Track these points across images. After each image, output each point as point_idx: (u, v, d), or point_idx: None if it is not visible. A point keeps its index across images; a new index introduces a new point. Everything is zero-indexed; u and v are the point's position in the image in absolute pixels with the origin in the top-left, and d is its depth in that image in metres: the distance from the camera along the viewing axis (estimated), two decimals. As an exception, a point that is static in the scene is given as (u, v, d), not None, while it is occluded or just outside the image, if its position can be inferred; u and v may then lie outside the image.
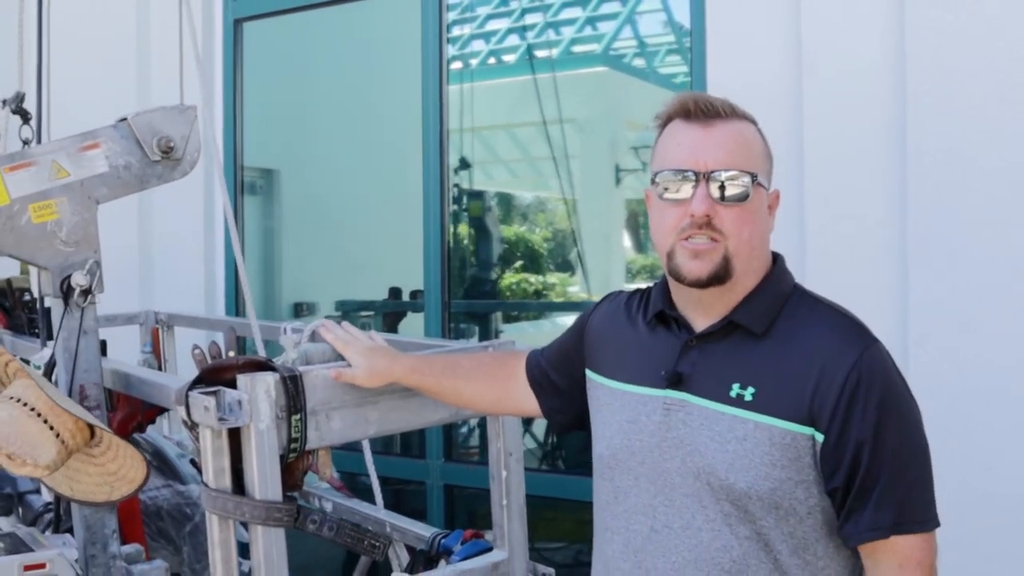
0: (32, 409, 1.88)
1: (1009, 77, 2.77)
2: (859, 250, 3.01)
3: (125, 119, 2.24)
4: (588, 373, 1.75)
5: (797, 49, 3.14)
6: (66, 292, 2.14)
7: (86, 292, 2.14)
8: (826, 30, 3.09)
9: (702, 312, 1.57)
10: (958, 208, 2.83)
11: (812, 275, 2.99)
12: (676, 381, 1.54)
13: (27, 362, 2.19)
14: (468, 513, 4.35)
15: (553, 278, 7.82)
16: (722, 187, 1.48)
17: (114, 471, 2.04)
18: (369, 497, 2.95)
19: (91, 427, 1.97)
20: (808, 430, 1.45)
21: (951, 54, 2.84)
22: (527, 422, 5.53)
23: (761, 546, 1.47)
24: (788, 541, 1.47)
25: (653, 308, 1.64)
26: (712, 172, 1.48)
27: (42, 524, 2.66)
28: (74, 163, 2.16)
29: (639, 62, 7.99)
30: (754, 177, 1.49)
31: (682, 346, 1.56)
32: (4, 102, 2.56)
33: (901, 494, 1.44)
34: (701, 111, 1.51)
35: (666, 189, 1.52)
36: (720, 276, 1.49)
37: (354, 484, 3.91)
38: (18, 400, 1.88)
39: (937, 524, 1.48)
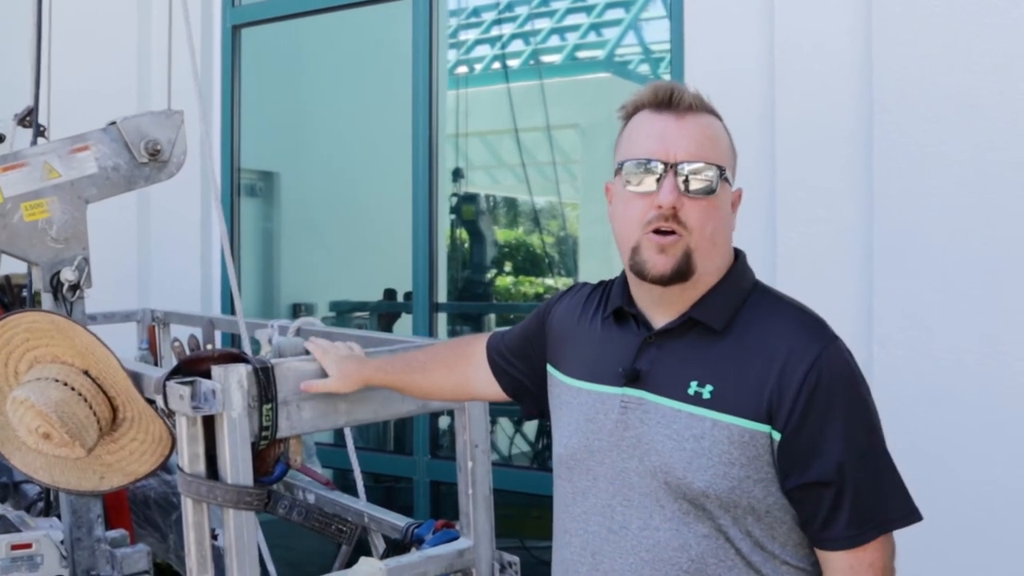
0: (79, 394, 1.97)
1: (972, 84, 2.84)
2: (827, 251, 3.10)
3: (114, 123, 2.35)
4: (548, 368, 1.72)
5: (770, 59, 3.24)
6: (56, 287, 2.25)
7: (75, 287, 2.25)
8: (796, 40, 3.18)
9: (662, 309, 1.53)
10: (921, 212, 2.91)
11: (782, 274, 3.09)
12: (634, 379, 1.51)
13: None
14: (453, 508, 4.44)
15: (553, 281, 7.89)
16: (689, 179, 1.44)
17: (110, 463, 2.13)
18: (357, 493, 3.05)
19: (114, 413, 2.05)
20: (766, 428, 1.42)
21: (915, 64, 2.92)
22: (518, 422, 5.63)
23: (720, 543, 1.45)
24: (746, 539, 1.45)
25: (612, 304, 1.60)
26: (680, 163, 1.44)
27: (35, 511, 2.77)
28: (65, 164, 2.27)
29: (643, 68, 8.06)
30: (721, 171, 1.47)
31: (640, 343, 1.53)
32: (15, 115, 2.67)
33: (873, 497, 1.42)
34: (672, 101, 1.48)
35: (631, 180, 1.48)
36: (683, 272, 1.46)
37: (346, 481, 4.02)
38: (64, 383, 1.97)
39: (914, 518, 1.46)
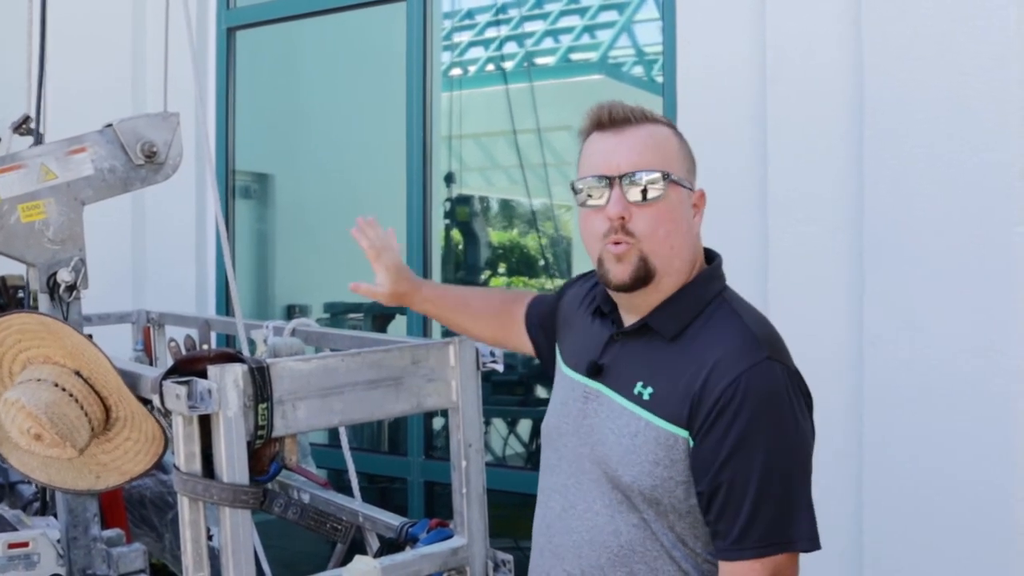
0: (71, 395, 1.98)
1: (962, 86, 2.87)
2: (818, 251, 3.12)
3: (111, 125, 2.36)
4: (556, 348, 1.87)
5: (762, 61, 3.26)
6: (52, 288, 2.26)
7: (71, 288, 2.26)
8: (787, 43, 3.21)
9: (630, 310, 1.66)
10: (912, 213, 2.93)
11: (773, 275, 3.12)
12: (596, 372, 1.64)
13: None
14: (447, 508, 4.46)
15: (546, 282, 7.90)
16: (633, 188, 1.54)
17: (105, 462, 2.14)
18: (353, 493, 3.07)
19: (107, 413, 2.07)
20: (684, 433, 1.51)
21: (906, 66, 2.95)
22: (511, 423, 5.65)
23: (647, 533, 1.55)
24: (669, 533, 1.55)
25: (598, 300, 1.73)
26: (623, 175, 1.54)
27: (31, 511, 2.78)
28: (61, 166, 2.28)
29: (636, 71, 8.08)
30: (666, 175, 1.55)
31: (608, 339, 1.67)
32: (12, 124, 2.68)
33: (762, 518, 1.46)
34: (612, 120, 1.59)
35: (587, 197, 1.59)
36: (642, 278, 1.56)
37: (340, 481, 4.04)
38: (55, 384, 1.98)
39: (800, 547, 1.48)
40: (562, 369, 1.77)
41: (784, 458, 1.48)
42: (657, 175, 1.55)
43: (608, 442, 1.58)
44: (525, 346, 2.02)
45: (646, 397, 1.55)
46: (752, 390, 1.47)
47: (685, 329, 1.57)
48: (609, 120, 1.59)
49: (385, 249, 2.07)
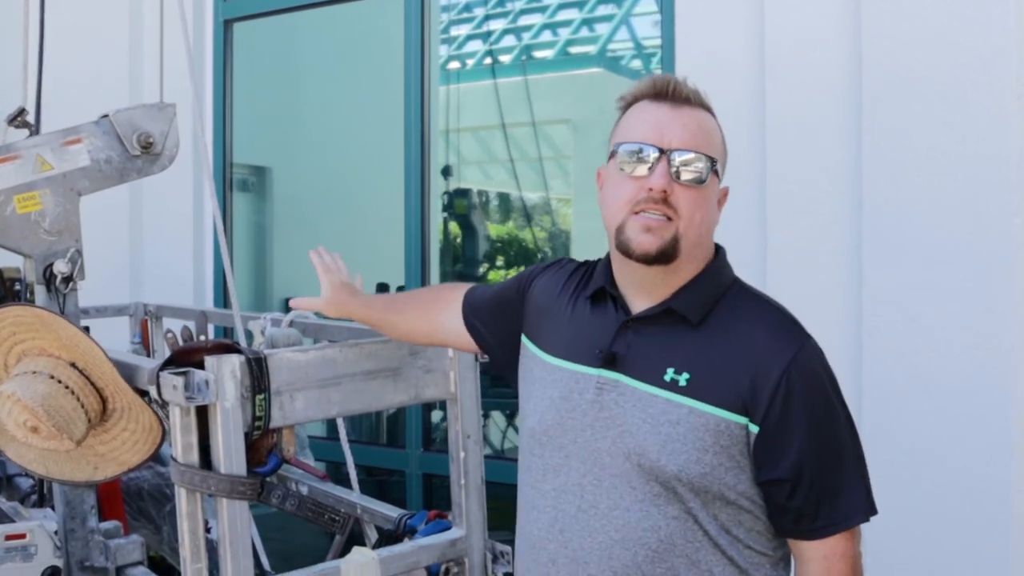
0: (67, 387, 1.97)
1: (960, 77, 2.87)
2: (817, 243, 3.13)
3: (107, 116, 2.35)
4: (524, 339, 1.75)
5: (760, 54, 3.26)
6: (48, 279, 2.25)
7: (68, 279, 2.26)
8: (786, 35, 3.21)
9: (643, 293, 1.57)
10: (910, 205, 2.93)
11: (772, 266, 3.12)
12: (610, 361, 1.55)
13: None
14: (446, 501, 4.46)
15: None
16: (681, 168, 1.49)
17: (103, 453, 2.13)
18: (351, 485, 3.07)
19: (104, 404, 2.06)
20: (742, 419, 1.48)
21: (904, 58, 2.95)
22: (510, 416, 5.65)
23: (689, 525, 1.49)
24: (713, 522, 1.50)
25: (594, 284, 1.65)
26: (674, 151, 1.49)
27: (29, 504, 2.78)
28: (57, 157, 2.27)
29: (635, 64, 8.04)
30: (712, 162, 1.52)
31: (618, 326, 1.57)
32: (7, 116, 2.67)
33: (847, 491, 1.50)
34: (670, 92, 1.53)
35: (626, 163, 1.52)
36: (668, 254, 1.50)
37: (339, 474, 4.04)
38: (51, 376, 1.97)
39: (873, 512, 1.54)
40: (547, 361, 1.66)
41: (848, 428, 1.54)
42: (706, 160, 1.51)
43: (640, 432, 1.50)
44: (459, 338, 1.91)
45: (683, 384, 1.50)
46: (809, 373, 1.50)
47: (710, 314, 1.55)
48: (672, 93, 1.53)
49: (332, 270, 2.07)
